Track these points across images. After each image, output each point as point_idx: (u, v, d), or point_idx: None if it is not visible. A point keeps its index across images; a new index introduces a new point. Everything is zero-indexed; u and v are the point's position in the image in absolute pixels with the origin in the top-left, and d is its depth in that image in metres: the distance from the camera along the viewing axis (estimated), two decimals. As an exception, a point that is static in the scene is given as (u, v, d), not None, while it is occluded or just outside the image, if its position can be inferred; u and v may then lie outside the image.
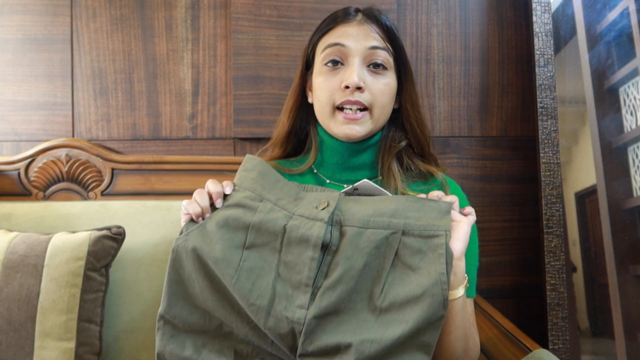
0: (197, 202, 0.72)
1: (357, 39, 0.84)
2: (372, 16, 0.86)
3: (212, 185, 0.74)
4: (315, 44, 0.89)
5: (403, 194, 0.84)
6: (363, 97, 0.83)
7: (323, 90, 0.85)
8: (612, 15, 1.32)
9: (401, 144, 0.90)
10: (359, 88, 0.82)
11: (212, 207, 0.74)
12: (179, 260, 0.70)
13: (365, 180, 0.74)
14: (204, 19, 1.43)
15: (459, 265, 0.71)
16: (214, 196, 0.73)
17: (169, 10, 1.43)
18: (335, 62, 0.85)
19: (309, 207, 0.71)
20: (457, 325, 0.74)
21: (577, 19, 1.37)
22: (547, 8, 1.38)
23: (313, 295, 0.66)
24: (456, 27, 1.46)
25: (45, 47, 1.42)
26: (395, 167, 0.87)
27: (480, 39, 1.47)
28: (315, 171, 0.92)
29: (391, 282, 0.67)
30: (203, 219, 0.72)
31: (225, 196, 0.74)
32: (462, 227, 0.71)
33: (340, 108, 0.84)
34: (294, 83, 0.93)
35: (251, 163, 0.77)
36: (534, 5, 1.38)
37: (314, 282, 0.66)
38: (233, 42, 1.40)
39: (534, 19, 1.38)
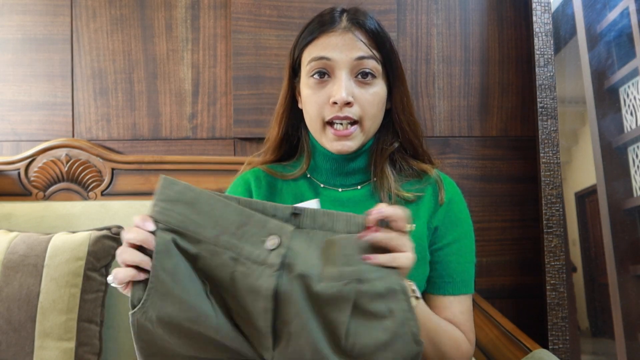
0: (128, 263, 0.59)
1: (342, 49, 0.80)
2: (356, 22, 0.82)
3: (134, 235, 0.60)
4: (300, 52, 0.86)
5: (397, 195, 0.84)
6: (352, 112, 0.81)
7: (311, 104, 0.83)
8: (612, 15, 1.32)
9: (393, 146, 0.88)
10: (347, 103, 0.80)
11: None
12: (144, 332, 0.60)
13: (315, 201, 0.69)
14: (204, 19, 1.43)
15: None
16: (145, 244, 0.59)
17: (169, 10, 1.43)
18: (321, 74, 0.82)
19: (256, 241, 0.61)
20: None
21: (577, 19, 1.37)
22: (547, 8, 1.38)
23: (277, 339, 0.60)
24: (456, 27, 1.46)
25: (45, 47, 1.42)
26: (388, 169, 0.86)
27: (480, 39, 1.47)
28: (308, 176, 0.91)
29: (354, 333, 0.61)
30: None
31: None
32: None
33: (330, 123, 0.82)
34: (282, 88, 0.91)
35: (173, 190, 0.62)
36: (534, 5, 1.38)
37: (272, 328, 0.60)
38: (233, 42, 1.40)
39: (534, 19, 1.38)
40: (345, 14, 0.84)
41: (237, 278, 0.60)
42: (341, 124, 0.81)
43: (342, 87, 0.79)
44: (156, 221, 0.61)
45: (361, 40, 0.81)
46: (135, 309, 0.60)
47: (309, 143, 0.90)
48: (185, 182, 0.63)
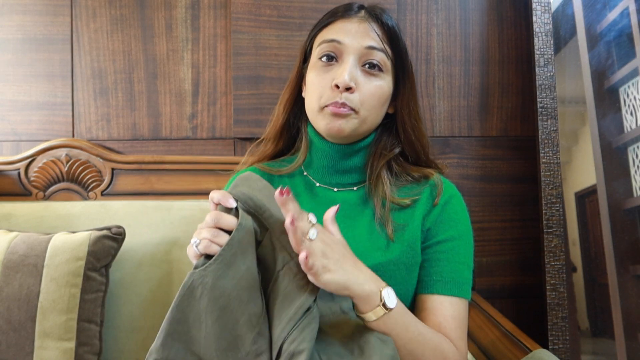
0: (211, 240, 0.62)
1: (355, 36, 0.80)
2: (374, 15, 0.83)
3: (227, 221, 0.63)
4: (313, 37, 0.86)
5: (392, 201, 0.82)
6: (350, 99, 0.79)
7: (314, 85, 0.82)
8: (612, 15, 1.32)
9: (393, 152, 0.86)
10: (348, 88, 0.79)
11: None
12: (191, 296, 0.61)
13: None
14: (204, 19, 1.43)
15: (353, 295, 0.65)
16: (228, 227, 0.64)
17: (169, 10, 1.43)
18: (330, 58, 0.81)
19: None
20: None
21: (577, 19, 1.37)
22: (547, 8, 1.38)
23: (278, 356, 0.60)
24: (456, 27, 1.46)
25: (45, 47, 1.41)
26: (384, 174, 0.84)
27: (480, 39, 1.47)
28: (304, 173, 0.89)
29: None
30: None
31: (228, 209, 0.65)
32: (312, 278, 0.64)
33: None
34: (291, 75, 0.91)
35: (257, 182, 0.68)
36: (534, 5, 1.38)
37: (282, 341, 0.60)
38: (233, 42, 1.40)
39: (534, 19, 1.38)
40: (362, 9, 0.84)
41: (281, 277, 0.62)
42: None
43: (347, 70, 0.78)
44: (236, 199, 0.64)
45: (375, 32, 0.81)
46: (196, 270, 0.61)
47: (308, 136, 0.88)
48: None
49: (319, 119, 0.82)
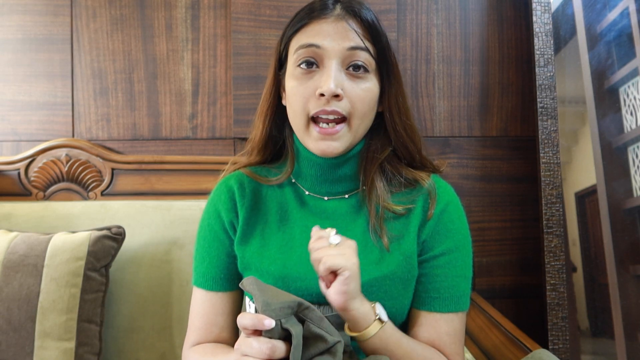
0: None
1: (334, 38, 0.74)
2: (351, 10, 0.76)
3: (280, 350, 0.59)
4: (288, 41, 0.79)
5: (386, 208, 0.78)
6: (341, 106, 0.73)
7: (296, 96, 0.76)
8: (612, 15, 1.32)
9: (385, 153, 0.80)
10: (336, 96, 0.73)
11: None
12: None
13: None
14: (204, 19, 1.43)
15: (351, 312, 0.67)
16: (282, 356, 0.60)
17: (169, 10, 1.43)
18: (309, 64, 0.75)
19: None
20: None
21: (577, 19, 1.37)
22: (547, 8, 1.38)
23: None
24: (456, 27, 1.46)
25: (45, 47, 1.41)
26: (378, 179, 0.79)
27: (480, 39, 1.47)
28: (293, 180, 0.85)
29: None
30: None
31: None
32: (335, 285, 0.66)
33: (314, 119, 0.75)
34: (266, 84, 0.84)
35: (263, 286, 0.66)
36: (534, 5, 1.38)
37: None
38: (233, 42, 1.40)
39: (534, 19, 1.38)
40: (338, 3, 0.77)
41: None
42: (327, 122, 0.75)
43: (331, 77, 0.73)
44: (277, 317, 0.60)
45: (355, 30, 0.75)
46: None
47: (294, 146, 0.83)
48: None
49: (306, 138, 0.78)
